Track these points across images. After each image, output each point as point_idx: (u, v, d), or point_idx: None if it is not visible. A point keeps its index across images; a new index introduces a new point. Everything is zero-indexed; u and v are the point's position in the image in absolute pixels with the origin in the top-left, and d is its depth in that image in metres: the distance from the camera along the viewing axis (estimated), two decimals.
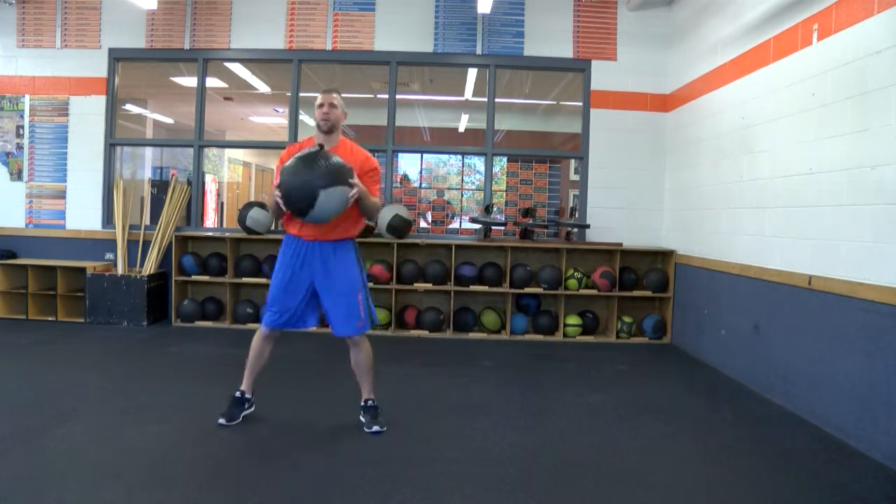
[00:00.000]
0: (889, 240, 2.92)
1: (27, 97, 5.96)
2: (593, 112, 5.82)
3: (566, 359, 4.83)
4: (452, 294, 5.56)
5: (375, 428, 3.04)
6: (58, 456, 2.64)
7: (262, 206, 5.66)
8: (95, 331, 5.27)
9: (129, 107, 8.20)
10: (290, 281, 3.01)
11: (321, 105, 3.02)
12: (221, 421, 3.05)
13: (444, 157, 8.04)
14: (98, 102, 5.91)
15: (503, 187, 7.59)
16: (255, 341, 3.14)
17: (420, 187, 7.57)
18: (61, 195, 5.96)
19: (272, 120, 10.63)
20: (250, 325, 5.45)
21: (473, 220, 6.17)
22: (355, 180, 2.82)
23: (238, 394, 3.15)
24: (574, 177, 7.33)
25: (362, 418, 3.13)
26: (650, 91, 5.79)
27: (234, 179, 12.34)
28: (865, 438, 3.00)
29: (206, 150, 6.55)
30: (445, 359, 4.73)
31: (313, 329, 3.31)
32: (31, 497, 2.27)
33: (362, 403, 3.16)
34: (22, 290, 5.58)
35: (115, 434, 2.92)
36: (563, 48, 5.80)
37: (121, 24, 5.87)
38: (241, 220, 5.65)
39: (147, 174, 9.10)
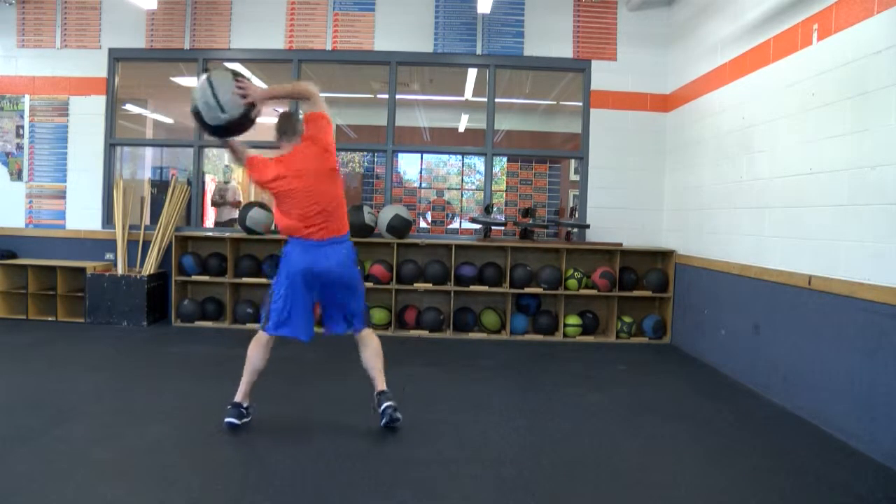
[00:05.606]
0: (889, 240, 2.92)
1: (27, 97, 5.96)
2: (593, 112, 5.81)
3: (566, 359, 4.83)
4: (452, 294, 5.56)
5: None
6: (58, 456, 2.64)
7: (262, 206, 5.67)
8: (95, 331, 5.27)
9: (129, 107, 8.19)
10: None
11: None
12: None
13: (444, 157, 8.05)
14: (98, 102, 5.91)
15: (503, 187, 7.60)
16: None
17: (420, 187, 7.58)
18: (61, 195, 5.96)
19: (272, 120, 10.60)
20: (250, 325, 5.44)
21: (473, 220, 6.17)
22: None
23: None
24: (574, 177, 7.33)
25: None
26: (650, 91, 5.79)
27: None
28: (865, 438, 3.00)
29: (205, 150, 6.54)
30: (445, 359, 4.73)
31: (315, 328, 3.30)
32: (31, 497, 2.27)
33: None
34: (22, 291, 5.58)
35: (115, 434, 2.92)
36: (563, 48, 5.80)
37: (121, 24, 5.87)
38: (242, 220, 5.66)
39: (147, 174, 9.10)
